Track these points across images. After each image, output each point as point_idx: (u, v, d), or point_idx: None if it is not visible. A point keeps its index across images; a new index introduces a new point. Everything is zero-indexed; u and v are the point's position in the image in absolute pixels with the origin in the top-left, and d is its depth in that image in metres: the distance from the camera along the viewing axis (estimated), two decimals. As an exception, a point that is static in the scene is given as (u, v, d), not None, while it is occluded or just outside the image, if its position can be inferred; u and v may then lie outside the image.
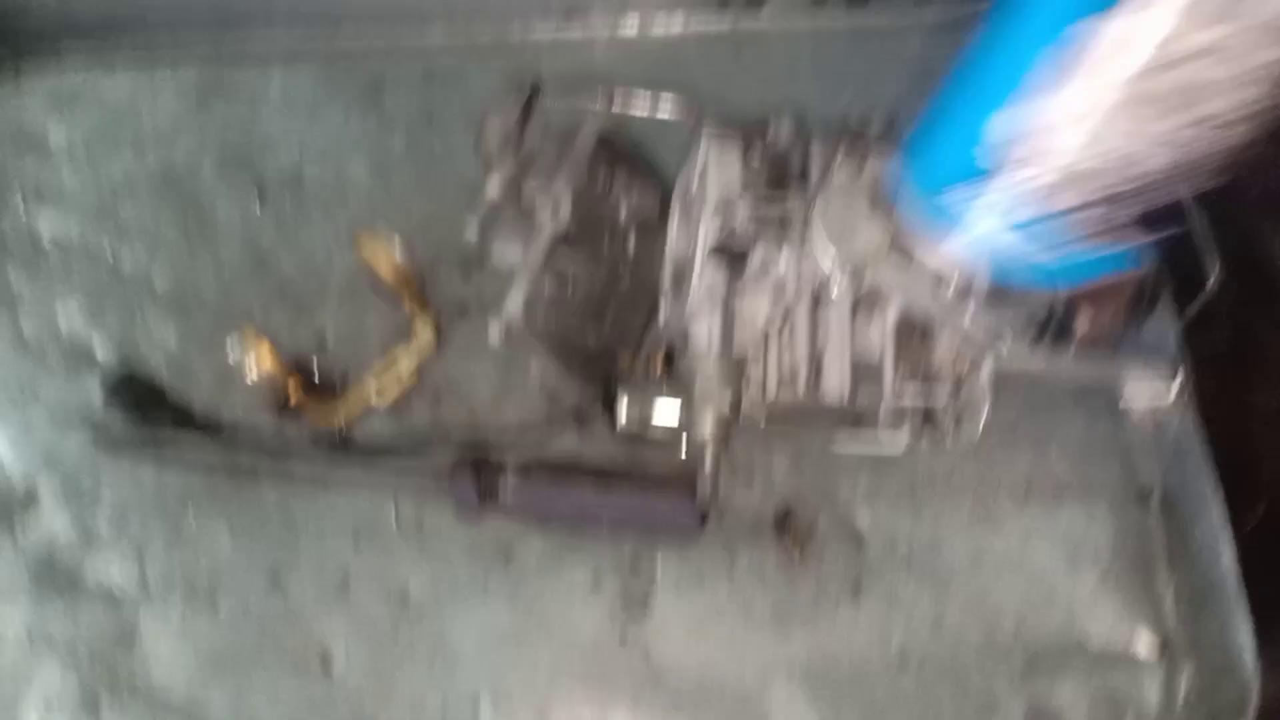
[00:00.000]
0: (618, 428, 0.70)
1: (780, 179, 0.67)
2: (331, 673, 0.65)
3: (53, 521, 0.69)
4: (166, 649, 0.65)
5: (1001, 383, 0.64)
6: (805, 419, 0.71)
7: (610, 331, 0.75)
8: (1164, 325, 0.72)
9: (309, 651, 0.66)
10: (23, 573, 0.67)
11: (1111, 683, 0.68)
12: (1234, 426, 0.74)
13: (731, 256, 0.61)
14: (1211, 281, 0.69)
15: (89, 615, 0.66)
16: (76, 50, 0.85)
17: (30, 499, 0.70)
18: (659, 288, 0.76)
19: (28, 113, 0.84)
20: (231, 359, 0.69)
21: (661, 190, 0.76)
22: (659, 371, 0.75)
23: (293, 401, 0.72)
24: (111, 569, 0.68)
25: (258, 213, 0.80)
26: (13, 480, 0.70)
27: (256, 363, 0.69)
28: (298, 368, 0.73)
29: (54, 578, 0.67)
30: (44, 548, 0.68)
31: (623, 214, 0.76)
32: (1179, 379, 0.67)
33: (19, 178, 0.81)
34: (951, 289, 0.62)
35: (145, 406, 0.71)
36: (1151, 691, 0.67)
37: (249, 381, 0.69)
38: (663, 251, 0.75)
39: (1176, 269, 0.70)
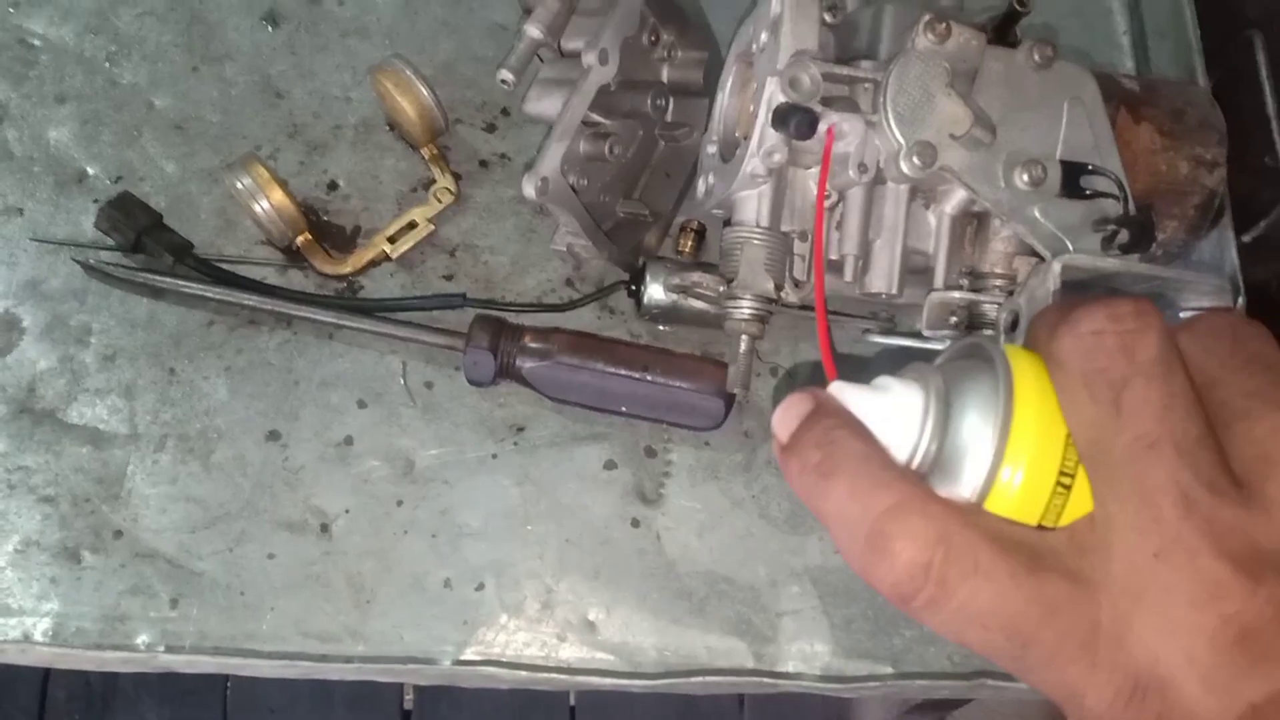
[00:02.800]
0: (643, 305, 0.66)
1: (846, 43, 0.62)
2: (330, 538, 0.62)
3: (34, 353, 0.64)
4: (155, 497, 0.61)
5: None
6: (844, 308, 0.68)
7: (642, 200, 0.71)
8: (1222, 245, 0.68)
9: (307, 513, 0.62)
10: (0, 406, 0.62)
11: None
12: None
13: (799, 119, 0.56)
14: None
15: (72, 456, 0.62)
16: None
17: (10, 327, 0.64)
18: (694, 161, 0.71)
19: (18, -96, 0.76)
20: (239, 185, 0.63)
21: (709, 54, 0.71)
22: (689, 249, 0.71)
23: (300, 244, 0.67)
24: (99, 409, 0.63)
25: (269, 36, 0.73)
26: (-8, 304, 0.65)
27: (263, 194, 0.64)
28: (306, 208, 0.68)
29: (35, 413, 0.62)
30: (24, 381, 0.63)
31: (665, 75, 0.71)
32: (1241, 301, 0.63)
33: (8, -28, 0.74)
34: (1025, 180, 0.58)
35: (141, 233, 0.65)
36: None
37: (254, 214, 0.64)
38: (704, 121, 0.70)
39: (1237, 186, 0.66)
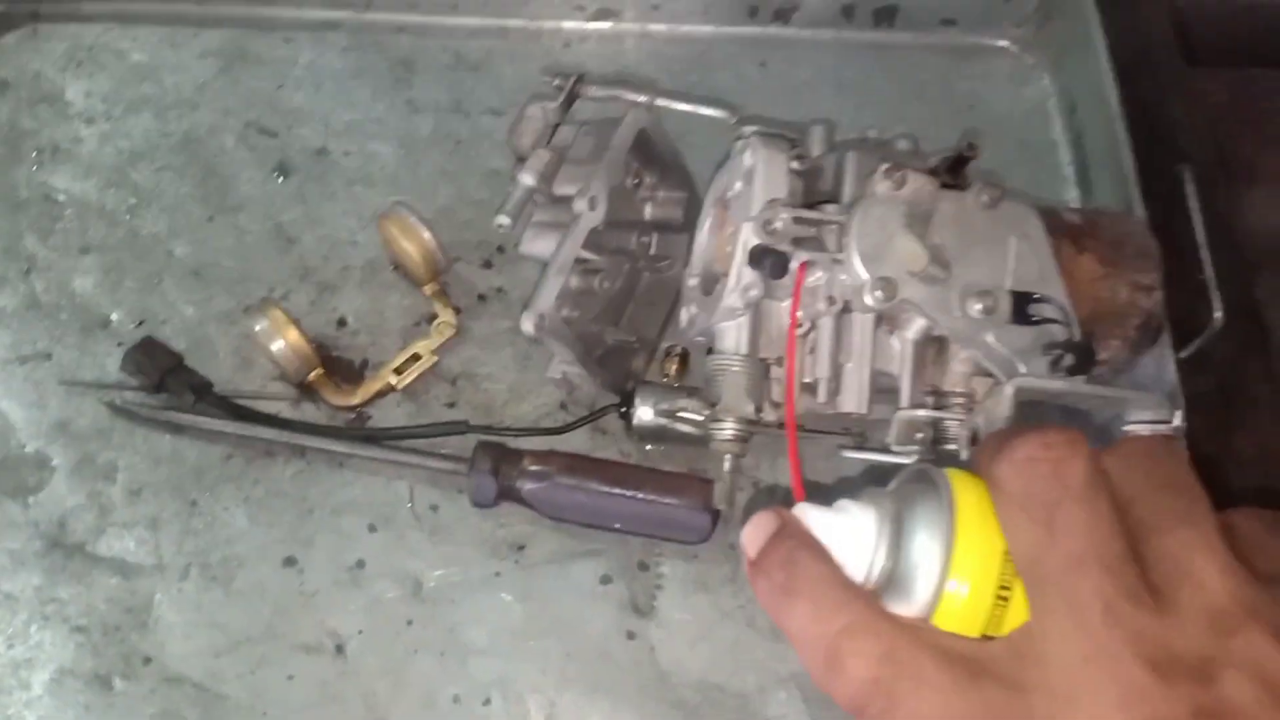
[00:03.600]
0: (633, 427, 0.71)
1: (813, 187, 0.68)
2: (345, 658, 0.65)
3: (64, 490, 0.68)
4: (181, 624, 0.65)
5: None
6: (821, 426, 0.73)
7: (629, 330, 0.76)
8: (1162, 361, 0.73)
9: (323, 635, 0.66)
10: (34, 541, 0.67)
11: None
12: (1215, 467, 0.76)
13: (773, 260, 0.62)
14: (1215, 319, 0.71)
15: (102, 587, 0.66)
16: (98, 3, 0.85)
17: (42, 466, 0.69)
18: (677, 291, 0.77)
19: (45, 65, 0.83)
20: (258, 327, 0.68)
21: (688, 193, 0.77)
22: (674, 372, 0.76)
23: (312, 379, 0.72)
24: (126, 542, 0.67)
25: (280, 186, 0.79)
26: (25, 446, 0.69)
27: (280, 335, 0.69)
28: (318, 345, 0.73)
29: (66, 548, 0.67)
30: (56, 517, 0.67)
31: (648, 213, 0.77)
32: (1180, 414, 0.68)
33: (34, 133, 0.80)
34: (978, 309, 0.63)
35: (163, 374, 0.70)
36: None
37: (271, 354, 0.69)
38: (685, 254, 0.76)
39: (1174, 308, 0.72)
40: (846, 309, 0.66)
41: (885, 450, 0.68)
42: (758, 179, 0.65)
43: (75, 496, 0.68)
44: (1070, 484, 0.36)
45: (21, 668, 0.63)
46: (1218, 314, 0.70)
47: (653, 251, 0.78)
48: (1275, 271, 1.03)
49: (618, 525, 0.70)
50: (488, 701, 0.65)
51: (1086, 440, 0.37)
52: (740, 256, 0.65)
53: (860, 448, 0.73)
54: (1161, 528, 0.36)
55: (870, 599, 0.38)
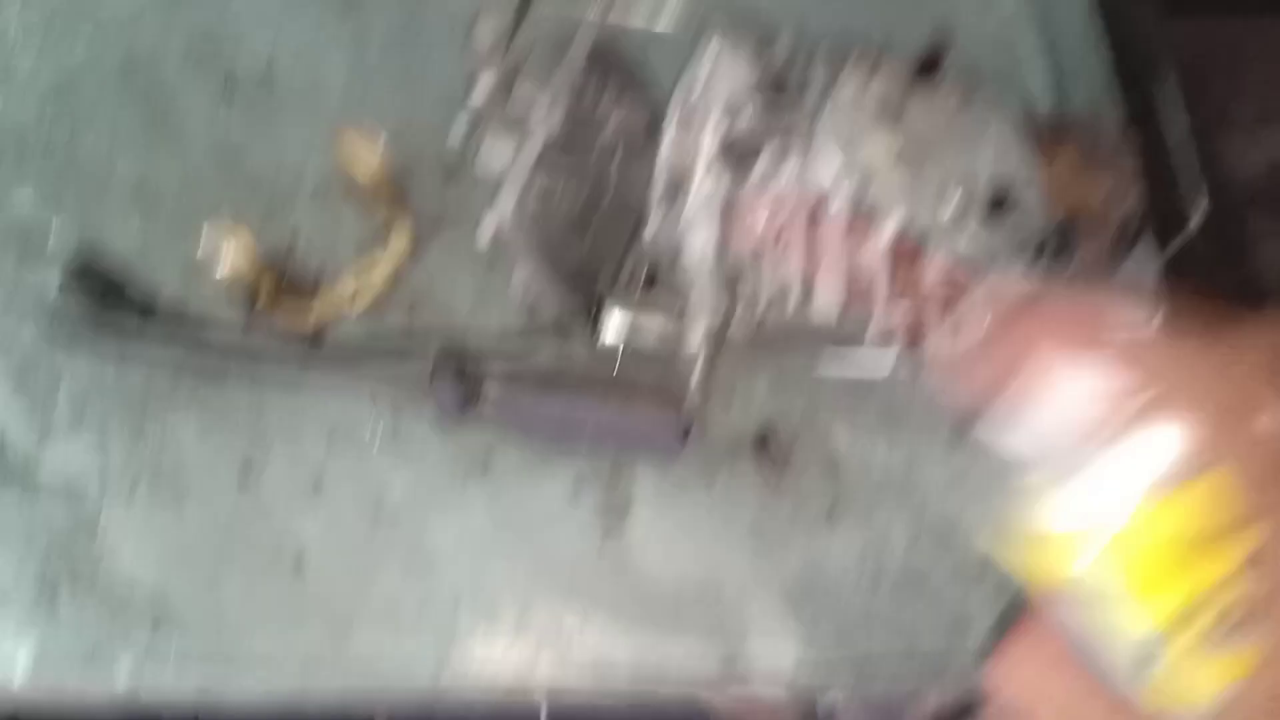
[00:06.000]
0: (601, 341, 0.69)
1: (781, 89, 0.66)
2: (304, 573, 0.63)
3: (4, 409, 0.65)
4: (130, 543, 0.62)
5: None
6: (792, 338, 0.71)
7: (594, 245, 0.74)
8: (1143, 262, 0.72)
9: (280, 551, 0.63)
10: (-29, 460, 0.64)
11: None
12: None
13: (736, 160, 0.60)
14: (1195, 220, 0.70)
15: (46, 506, 0.63)
16: (32, -74, 0.81)
17: (-20, 388, 0.66)
18: (643, 205, 0.75)
19: (-24, -10, 0.79)
20: (201, 251, 0.65)
21: (651, 108, 0.75)
22: (643, 287, 0.74)
23: (263, 301, 0.69)
24: (70, 461, 0.64)
25: (226, 107, 0.76)
26: (-39, 370, 0.66)
27: (229, 256, 0.66)
28: (268, 266, 0.70)
29: (6, 466, 0.64)
30: (-5, 440, 0.64)
31: (610, 128, 0.75)
32: (1159, 314, 0.67)
33: (-35, 59, 0.76)
34: (953, 206, 0.62)
35: (105, 296, 0.67)
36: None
37: (218, 276, 0.66)
38: (650, 167, 0.74)
39: (1157, 209, 0.71)
40: (818, 209, 0.65)
41: (866, 357, 0.67)
42: (719, 78, 0.63)
43: (16, 420, 0.65)
44: None
45: (-39, 587, 0.60)
46: (1203, 201, 0.68)
47: (616, 167, 0.76)
48: (1257, 213, 1.03)
49: (587, 441, 0.68)
50: (455, 612, 0.63)
51: None
52: (704, 157, 0.63)
53: (840, 355, 0.71)
54: None
55: None
